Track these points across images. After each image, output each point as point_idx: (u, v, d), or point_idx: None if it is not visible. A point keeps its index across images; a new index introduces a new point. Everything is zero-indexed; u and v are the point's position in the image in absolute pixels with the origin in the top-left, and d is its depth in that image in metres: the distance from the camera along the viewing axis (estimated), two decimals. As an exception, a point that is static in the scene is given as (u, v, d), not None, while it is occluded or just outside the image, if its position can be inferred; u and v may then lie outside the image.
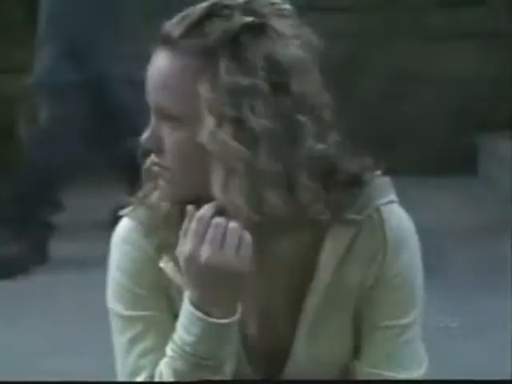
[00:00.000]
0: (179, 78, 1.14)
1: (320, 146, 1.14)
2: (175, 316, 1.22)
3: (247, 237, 1.12)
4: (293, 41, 1.13)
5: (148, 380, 1.23)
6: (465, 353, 2.78)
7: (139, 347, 1.25)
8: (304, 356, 1.27)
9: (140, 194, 1.24)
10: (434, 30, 4.79)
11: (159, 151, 1.17)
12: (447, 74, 4.70)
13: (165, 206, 1.22)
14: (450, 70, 4.71)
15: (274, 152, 1.11)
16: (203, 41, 1.13)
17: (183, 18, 1.15)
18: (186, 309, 1.15)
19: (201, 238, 1.11)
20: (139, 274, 1.26)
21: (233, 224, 1.11)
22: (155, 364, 1.22)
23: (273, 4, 1.17)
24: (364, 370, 1.25)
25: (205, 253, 1.10)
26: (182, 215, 1.18)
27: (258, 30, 1.13)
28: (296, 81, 1.12)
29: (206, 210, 1.12)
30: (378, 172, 1.25)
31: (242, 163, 1.11)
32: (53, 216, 3.63)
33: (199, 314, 1.13)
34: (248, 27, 1.12)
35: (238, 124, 1.11)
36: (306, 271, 1.23)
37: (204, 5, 1.15)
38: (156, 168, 1.19)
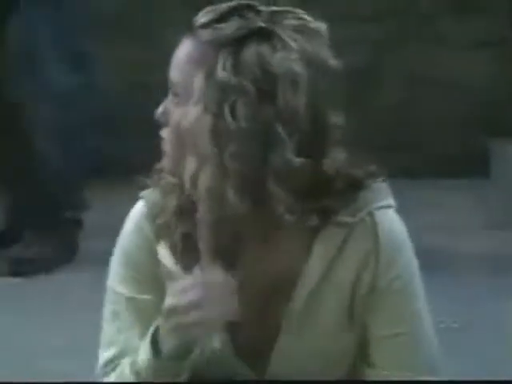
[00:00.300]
0: (188, 61, 1.19)
1: (297, 160, 1.13)
2: (162, 299, 1.21)
3: (231, 286, 1.15)
4: (295, 55, 1.14)
5: (115, 356, 1.25)
6: (467, 353, 2.73)
7: (119, 322, 1.27)
8: (289, 351, 1.25)
9: (155, 177, 1.27)
10: (447, 36, 4.86)
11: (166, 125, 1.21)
12: (461, 80, 4.73)
13: (172, 192, 1.23)
14: (464, 76, 4.75)
15: (242, 154, 1.12)
16: (215, 34, 1.17)
17: (212, 10, 1.20)
18: (152, 347, 1.17)
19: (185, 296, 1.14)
20: (133, 254, 1.28)
21: (215, 276, 1.14)
22: (126, 342, 1.24)
23: (299, 18, 1.19)
24: (374, 374, 1.24)
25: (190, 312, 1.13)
26: (182, 205, 1.21)
27: (265, 36, 1.15)
28: (284, 93, 1.13)
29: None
30: (380, 178, 1.25)
31: (211, 157, 1.13)
32: (79, 215, 3.57)
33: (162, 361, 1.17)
34: (256, 32, 1.15)
35: (217, 119, 1.13)
36: (296, 270, 1.23)
37: (232, 3, 1.20)
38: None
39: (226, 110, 1.13)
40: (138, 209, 1.29)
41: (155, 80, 2.59)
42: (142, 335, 1.23)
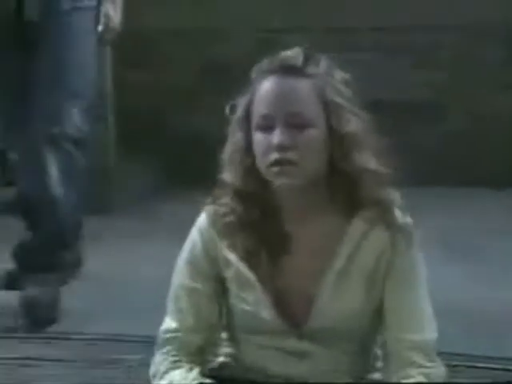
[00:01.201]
0: (308, 93, 1.42)
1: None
2: (221, 291, 1.51)
3: None
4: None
5: (172, 329, 1.51)
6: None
7: (179, 304, 1.52)
8: (326, 308, 1.46)
9: (212, 197, 1.51)
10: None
11: (289, 150, 1.39)
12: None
13: (231, 205, 1.48)
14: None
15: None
16: (316, 70, 1.45)
17: (295, 55, 1.46)
18: None
19: None
20: (195, 255, 1.53)
21: None
22: (182, 320, 1.50)
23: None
24: (391, 336, 1.47)
25: None
26: (245, 213, 1.47)
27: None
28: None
29: None
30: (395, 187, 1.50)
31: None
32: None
33: None
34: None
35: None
36: (334, 246, 1.47)
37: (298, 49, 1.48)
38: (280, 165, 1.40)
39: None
40: (201, 219, 1.54)
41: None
42: (194, 316, 1.51)
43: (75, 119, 2.62)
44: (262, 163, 1.42)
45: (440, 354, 1.48)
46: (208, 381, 1.46)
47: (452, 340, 2.15)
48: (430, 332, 1.47)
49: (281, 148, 1.39)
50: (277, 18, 5.43)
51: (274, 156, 1.39)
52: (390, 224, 1.46)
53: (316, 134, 1.41)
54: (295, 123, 1.40)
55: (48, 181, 2.58)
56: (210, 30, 5.41)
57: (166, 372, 1.49)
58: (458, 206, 4.49)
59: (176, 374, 1.47)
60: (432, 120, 5.25)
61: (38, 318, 2.62)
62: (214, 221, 1.51)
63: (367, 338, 1.52)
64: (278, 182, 1.43)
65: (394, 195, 1.49)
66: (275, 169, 1.40)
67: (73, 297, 2.80)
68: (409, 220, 1.49)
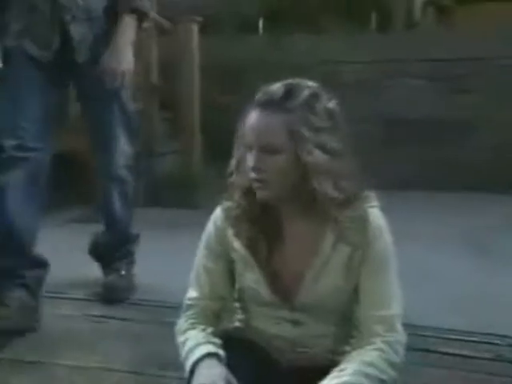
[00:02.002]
0: (278, 126, 1.41)
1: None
2: (231, 270, 1.58)
3: None
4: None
5: (195, 298, 1.61)
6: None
7: (199, 280, 1.60)
8: (311, 286, 1.49)
9: (227, 194, 1.56)
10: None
11: (261, 172, 1.43)
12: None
13: (240, 202, 1.52)
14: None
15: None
16: (292, 104, 1.42)
17: (276, 89, 1.44)
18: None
19: None
20: (211, 240, 1.59)
21: None
22: (202, 291, 1.59)
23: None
24: (363, 312, 1.48)
25: None
26: (248, 209, 1.51)
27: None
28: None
29: None
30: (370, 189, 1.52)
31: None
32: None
33: None
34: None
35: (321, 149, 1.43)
36: (319, 239, 1.49)
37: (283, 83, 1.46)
38: (255, 182, 1.45)
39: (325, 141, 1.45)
40: (216, 212, 1.59)
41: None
42: (210, 288, 1.59)
43: (126, 149, 2.57)
44: (247, 177, 1.47)
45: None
46: (216, 339, 1.53)
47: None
48: (394, 309, 1.48)
49: (254, 169, 1.43)
50: (340, 53, 5.56)
51: (252, 175, 1.45)
52: (363, 225, 1.47)
53: (283, 159, 1.41)
54: (267, 150, 1.42)
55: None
56: (285, 62, 5.57)
57: (185, 331, 1.57)
58: (484, 207, 4.48)
59: (192, 333, 1.55)
60: (466, 136, 5.30)
61: (115, 294, 2.64)
62: (225, 214, 1.56)
63: (347, 311, 1.52)
64: (257, 195, 1.47)
65: (371, 197, 1.51)
66: (254, 184, 1.46)
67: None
68: (380, 218, 1.50)
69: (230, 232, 1.55)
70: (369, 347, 1.44)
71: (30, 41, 2.30)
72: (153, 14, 4.69)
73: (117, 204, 2.59)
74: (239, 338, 1.60)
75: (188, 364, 1.49)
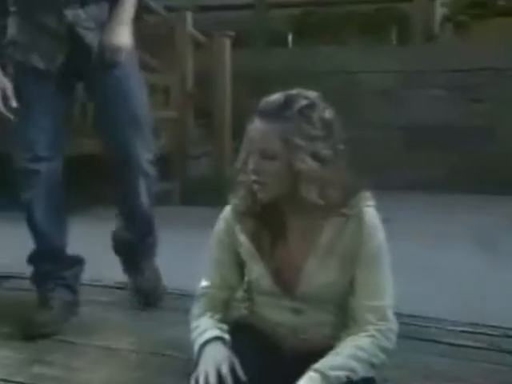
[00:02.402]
0: (274, 134, 1.42)
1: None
2: (240, 262, 1.58)
3: None
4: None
5: (207, 286, 1.61)
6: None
7: (211, 270, 1.61)
8: (310, 278, 1.50)
9: (234, 194, 1.56)
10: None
11: (259, 175, 1.45)
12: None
13: (245, 200, 1.52)
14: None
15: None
16: (288, 113, 1.42)
17: (275, 99, 1.44)
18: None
19: None
20: (221, 235, 1.60)
21: None
22: (213, 280, 1.60)
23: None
24: (357, 303, 1.48)
25: None
26: (253, 206, 1.51)
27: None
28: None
29: None
30: (367, 190, 1.51)
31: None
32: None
33: None
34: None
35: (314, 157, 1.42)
36: (317, 235, 1.49)
37: (283, 93, 1.45)
38: (254, 183, 1.45)
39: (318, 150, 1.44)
40: (226, 209, 1.60)
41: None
42: (220, 278, 1.60)
43: (148, 144, 2.44)
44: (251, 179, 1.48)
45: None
46: (223, 325, 1.55)
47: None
48: (386, 300, 1.48)
49: (253, 172, 1.45)
50: (362, 64, 5.54)
51: (252, 177, 1.46)
52: (359, 223, 1.47)
53: (277, 165, 1.42)
54: (265, 155, 1.43)
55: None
56: (311, 73, 5.57)
57: (197, 316, 1.59)
58: (494, 208, 4.43)
59: (202, 319, 1.57)
60: (482, 141, 5.26)
61: (149, 298, 2.54)
62: (233, 211, 1.57)
63: (344, 302, 1.52)
64: (258, 196, 1.48)
65: (367, 197, 1.50)
66: (254, 186, 1.47)
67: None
68: (375, 217, 1.49)
69: (237, 227, 1.56)
70: (362, 334, 1.45)
71: (37, 55, 2.27)
72: (189, 28, 4.80)
73: (141, 197, 2.47)
74: (246, 325, 1.60)
75: (196, 346, 1.51)
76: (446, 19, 5.95)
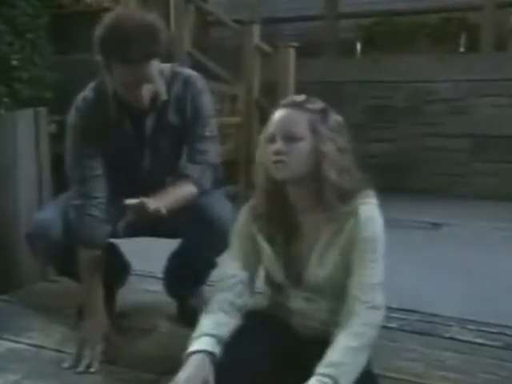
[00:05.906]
0: (300, 119, 1.58)
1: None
2: (258, 251, 1.69)
3: None
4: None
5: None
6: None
7: (232, 260, 1.71)
8: (313, 270, 1.62)
9: (251, 195, 1.70)
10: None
11: (282, 154, 1.55)
12: None
13: (261, 202, 1.66)
14: None
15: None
16: (312, 107, 1.60)
17: (297, 96, 1.63)
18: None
19: None
20: (240, 228, 1.73)
21: None
22: (231, 269, 1.69)
23: None
24: (350, 294, 1.54)
25: None
26: (269, 209, 1.64)
27: None
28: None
29: None
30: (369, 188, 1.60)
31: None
32: None
33: None
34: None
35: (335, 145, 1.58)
36: (321, 230, 1.60)
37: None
38: (275, 163, 1.56)
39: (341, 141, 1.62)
40: (244, 208, 1.73)
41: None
42: (243, 258, 1.70)
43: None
44: (268, 163, 1.58)
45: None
46: (222, 330, 1.61)
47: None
48: (375, 279, 1.55)
49: (277, 153, 1.56)
50: (431, 73, 5.54)
51: (274, 158, 1.56)
52: (356, 218, 1.56)
53: (302, 146, 1.55)
54: (289, 138, 1.55)
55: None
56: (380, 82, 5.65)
57: (205, 313, 1.67)
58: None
59: (205, 320, 1.64)
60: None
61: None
62: (250, 211, 1.70)
63: (342, 291, 1.58)
64: (277, 176, 1.57)
65: (368, 194, 1.59)
66: (274, 166, 1.57)
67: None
68: (371, 211, 1.57)
69: (254, 227, 1.69)
70: (350, 315, 1.52)
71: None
72: (256, 40, 4.97)
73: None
74: (265, 312, 1.74)
75: (186, 352, 1.57)
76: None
